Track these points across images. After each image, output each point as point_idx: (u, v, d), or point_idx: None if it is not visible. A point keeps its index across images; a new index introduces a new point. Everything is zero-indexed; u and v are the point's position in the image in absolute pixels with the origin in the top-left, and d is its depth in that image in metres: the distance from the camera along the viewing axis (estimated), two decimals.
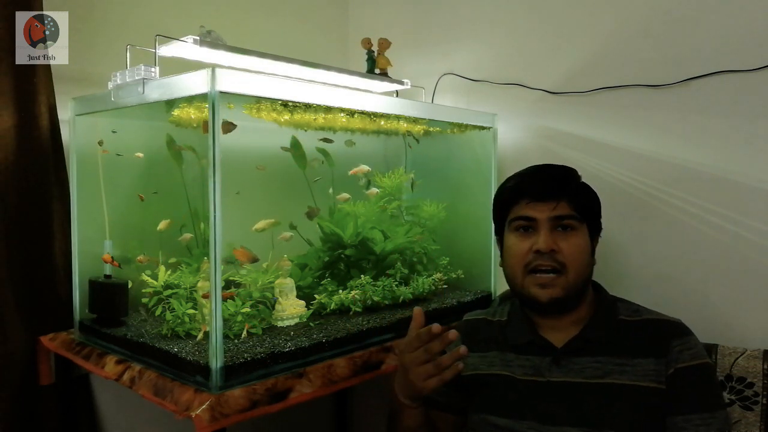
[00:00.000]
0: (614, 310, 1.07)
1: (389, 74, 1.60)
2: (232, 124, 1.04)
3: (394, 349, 1.01)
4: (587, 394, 0.99)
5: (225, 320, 1.13)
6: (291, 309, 1.27)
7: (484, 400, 1.08)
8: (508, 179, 1.13)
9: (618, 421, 0.96)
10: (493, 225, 1.16)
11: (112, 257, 1.28)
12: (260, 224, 1.17)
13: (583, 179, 1.12)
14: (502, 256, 1.13)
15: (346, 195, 1.47)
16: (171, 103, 1.20)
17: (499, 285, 1.58)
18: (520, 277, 1.05)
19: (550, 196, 1.04)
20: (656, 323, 1.04)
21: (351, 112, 1.32)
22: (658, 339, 1.01)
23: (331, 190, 1.50)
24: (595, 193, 1.11)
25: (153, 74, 1.10)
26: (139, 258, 1.31)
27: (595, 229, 1.10)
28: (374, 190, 1.53)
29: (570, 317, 1.06)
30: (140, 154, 1.36)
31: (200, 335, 1.12)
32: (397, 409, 1.04)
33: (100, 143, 1.31)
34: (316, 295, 1.36)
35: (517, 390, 1.04)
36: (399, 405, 1.03)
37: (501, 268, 1.13)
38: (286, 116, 1.26)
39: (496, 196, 1.14)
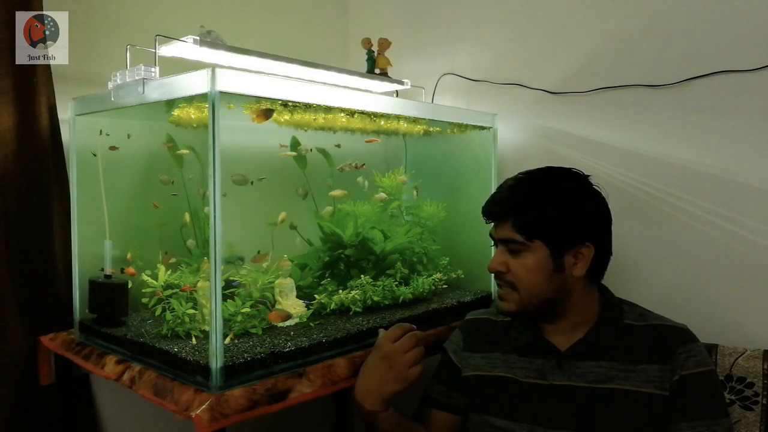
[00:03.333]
0: (620, 313, 1.06)
1: (389, 74, 1.59)
2: (270, 110, 1.10)
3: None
4: (590, 398, 0.99)
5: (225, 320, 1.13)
6: (291, 309, 1.27)
7: (485, 401, 1.08)
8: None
9: (620, 426, 0.96)
10: None
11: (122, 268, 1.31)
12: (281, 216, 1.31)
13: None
14: None
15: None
16: (171, 103, 1.20)
17: None
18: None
19: (496, 217, 1.07)
20: (662, 329, 1.03)
21: (351, 112, 1.32)
22: (663, 345, 1.00)
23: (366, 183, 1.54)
24: (555, 205, 1.01)
25: (153, 74, 1.10)
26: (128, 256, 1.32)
27: (561, 243, 1.01)
28: (383, 195, 1.55)
29: (567, 322, 1.05)
30: (185, 150, 1.35)
31: (194, 337, 1.12)
32: (371, 421, 1.06)
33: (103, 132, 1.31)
34: (316, 295, 1.36)
35: (519, 392, 1.05)
36: (371, 416, 1.05)
37: None
38: (286, 116, 1.26)
39: None
